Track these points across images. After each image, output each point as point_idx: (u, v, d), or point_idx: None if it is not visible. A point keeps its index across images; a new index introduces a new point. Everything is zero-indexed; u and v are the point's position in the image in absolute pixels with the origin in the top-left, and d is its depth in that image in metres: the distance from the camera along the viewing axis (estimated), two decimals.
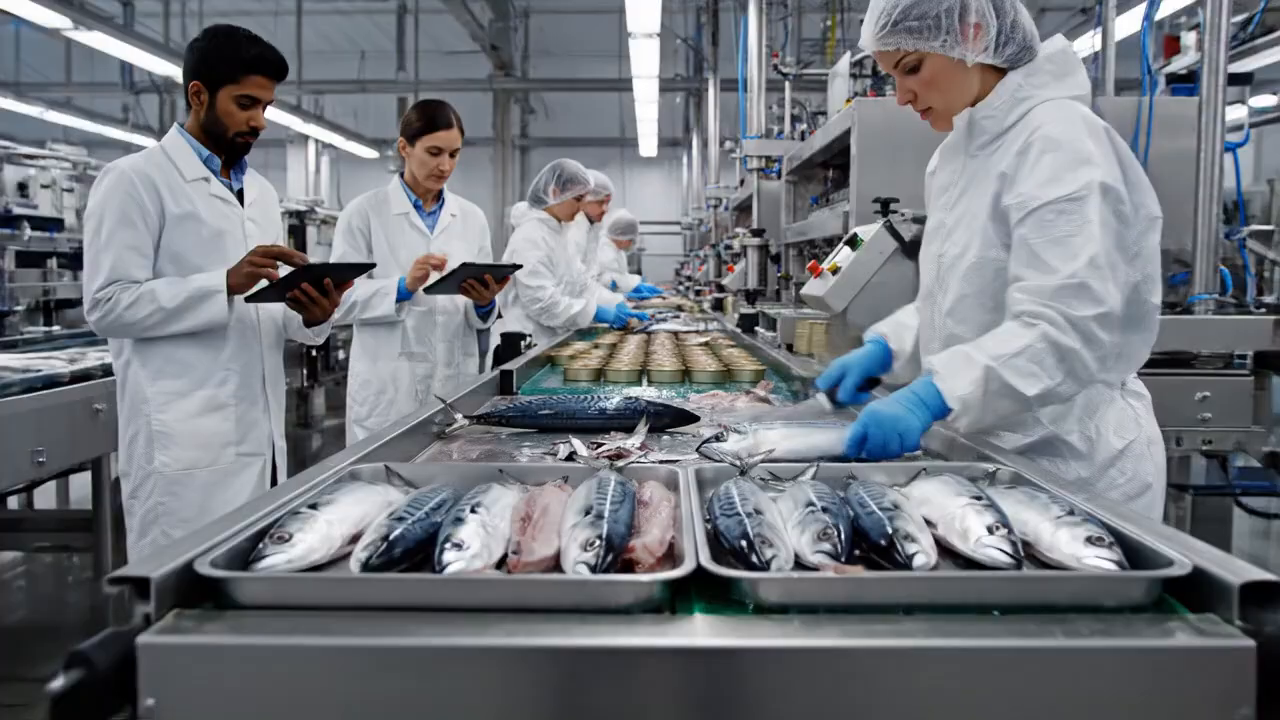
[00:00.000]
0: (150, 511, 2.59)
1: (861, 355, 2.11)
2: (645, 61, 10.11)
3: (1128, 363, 1.89)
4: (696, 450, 1.70)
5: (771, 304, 5.25)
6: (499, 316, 3.84)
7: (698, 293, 9.07)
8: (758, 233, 5.22)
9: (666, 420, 2.11)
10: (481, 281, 3.34)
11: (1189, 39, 4.41)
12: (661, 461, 1.67)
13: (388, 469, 1.44)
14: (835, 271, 2.98)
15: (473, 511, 1.15)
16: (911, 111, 1.93)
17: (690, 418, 2.13)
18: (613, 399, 2.13)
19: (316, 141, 15.09)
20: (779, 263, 5.59)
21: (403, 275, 3.43)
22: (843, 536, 1.10)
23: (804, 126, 5.99)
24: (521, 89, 16.64)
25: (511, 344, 3.64)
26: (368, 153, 17.92)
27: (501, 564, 1.09)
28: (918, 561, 1.08)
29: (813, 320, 3.56)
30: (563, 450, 1.79)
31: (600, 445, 1.78)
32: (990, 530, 1.12)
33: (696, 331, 5.15)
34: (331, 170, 17.70)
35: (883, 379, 2.15)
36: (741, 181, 8.37)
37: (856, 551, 1.12)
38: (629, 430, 1.93)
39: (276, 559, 1.05)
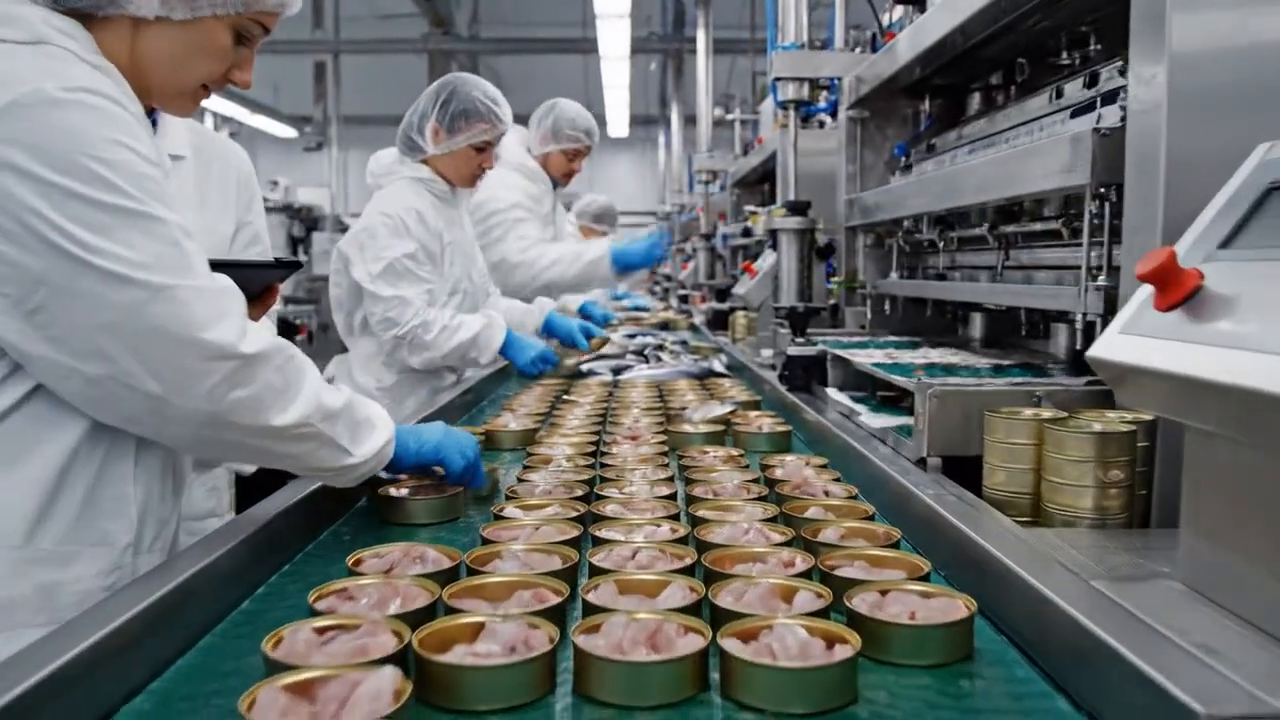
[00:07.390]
0: None
1: None
2: None
3: None
4: None
5: (825, 332, 3.04)
6: None
7: (684, 298, 6.82)
8: (798, 208, 2.99)
9: None
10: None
11: None
12: None
13: None
14: None
15: None
16: None
17: None
18: None
19: (214, 115, 12.49)
20: (830, 259, 3.36)
21: None
22: None
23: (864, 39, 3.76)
24: (466, 50, 13.99)
25: None
26: (285, 131, 15.53)
27: None
28: None
29: (1083, 428, 1.31)
30: None
31: None
32: None
33: (697, 380, 2.94)
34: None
35: None
36: (745, 149, 6.15)
37: None
38: None
39: None
